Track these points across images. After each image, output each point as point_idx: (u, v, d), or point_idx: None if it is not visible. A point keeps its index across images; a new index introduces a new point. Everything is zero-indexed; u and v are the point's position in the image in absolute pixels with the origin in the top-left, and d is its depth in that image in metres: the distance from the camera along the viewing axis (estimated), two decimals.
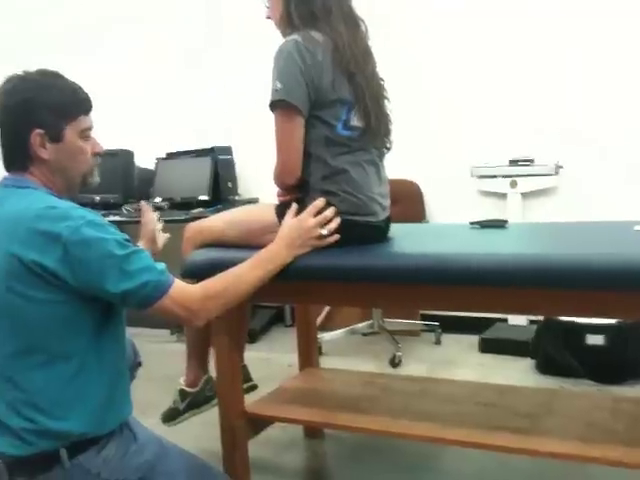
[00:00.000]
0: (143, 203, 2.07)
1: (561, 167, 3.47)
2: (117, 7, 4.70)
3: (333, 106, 1.87)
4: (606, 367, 2.95)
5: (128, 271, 1.43)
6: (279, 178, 1.94)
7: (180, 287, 1.52)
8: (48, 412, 1.43)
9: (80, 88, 1.55)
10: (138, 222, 3.97)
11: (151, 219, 2.06)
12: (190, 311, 1.55)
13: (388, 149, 2.06)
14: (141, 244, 1.96)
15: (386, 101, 2.02)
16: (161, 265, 1.52)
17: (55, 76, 1.53)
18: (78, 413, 1.45)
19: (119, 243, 1.44)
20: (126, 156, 4.39)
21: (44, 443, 1.43)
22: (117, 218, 3.96)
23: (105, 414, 1.51)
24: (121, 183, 4.33)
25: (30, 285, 1.39)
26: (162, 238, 2.08)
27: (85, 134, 1.54)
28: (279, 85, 1.83)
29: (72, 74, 1.57)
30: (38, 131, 1.47)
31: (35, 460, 1.43)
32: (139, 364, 1.98)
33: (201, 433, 2.34)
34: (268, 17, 2.03)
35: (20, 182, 1.50)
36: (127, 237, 1.49)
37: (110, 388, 1.52)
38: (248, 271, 1.71)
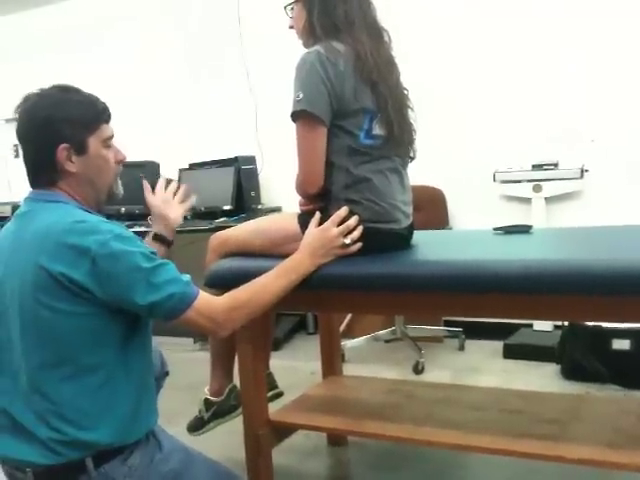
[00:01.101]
0: (144, 182, 1.94)
1: (586, 171, 3.45)
2: (139, 11, 4.77)
3: (356, 115, 1.88)
4: (632, 372, 2.92)
5: (155, 283, 1.45)
6: (301, 188, 1.96)
7: (205, 299, 1.54)
8: (76, 423, 1.44)
9: (97, 98, 1.57)
10: None
11: (152, 200, 1.94)
12: (215, 322, 1.57)
13: (412, 158, 2.06)
14: (156, 228, 1.92)
15: (410, 110, 2.02)
16: (186, 277, 1.54)
17: (71, 90, 1.55)
18: (106, 423, 1.47)
19: (146, 256, 1.46)
20: (152, 167, 4.44)
21: (72, 453, 1.45)
22: (143, 229, 4.00)
23: (132, 424, 1.52)
24: None
25: (58, 297, 1.41)
26: (178, 208, 1.94)
27: (107, 143, 1.57)
28: (301, 95, 1.84)
29: (90, 84, 1.60)
30: (64, 146, 1.49)
31: (62, 470, 1.45)
32: (166, 373, 1.99)
33: (226, 441, 2.35)
34: (291, 27, 2.05)
35: (50, 196, 1.52)
36: (154, 250, 1.52)
37: (137, 398, 1.54)
38: (272, 281, 1.72)
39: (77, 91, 1.55)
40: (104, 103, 1.58)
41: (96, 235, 1.42)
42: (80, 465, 1.45)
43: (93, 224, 1.46)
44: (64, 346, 1.44)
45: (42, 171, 1.53)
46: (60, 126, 1.49)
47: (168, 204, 1.93)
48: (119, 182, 1.64)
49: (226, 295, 1.65)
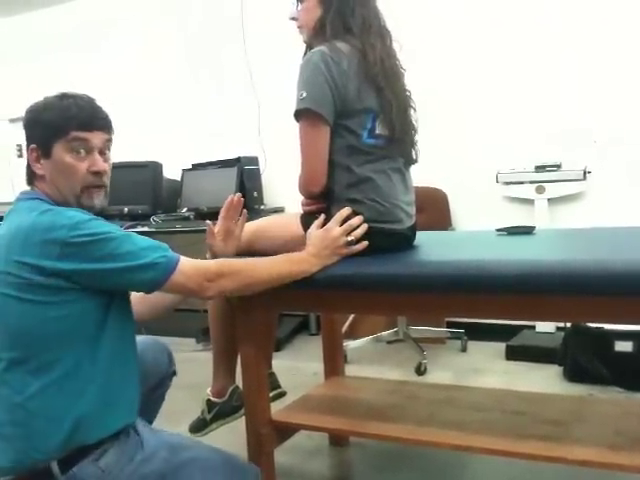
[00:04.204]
0: (209, 226, 1.91)
1: (589, 172, 3.45)
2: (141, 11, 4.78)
3: (359, 115, 1.88)
4: (635, 374, 2.91)
5: (132, 251, 1.46)
6: (304, 187, 1.95)
7: (189, 261, 1.55)
8: (42, 417, 1.42)
9: (78, 105, 1.53)
10: (166, 232, 4.00)
11: (214, 243, 1.91)
12: (201, 285, 1.56)
13: (415, 161, 2.06)
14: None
15: (412, 111, 2.02)
16: (164, 244, 1.54)
17: (63, 96, 1.55)
18: (72, 419, 1.43)
19: (116, 229, 1.48)
20: (155, 168, 4.45)
21: (37, 454, 1.42)
22: (145, 229, 4.01)
23: (99, 420, 1.47)
24: (150, 194, 4.39)
25: (24, 289, 1.41)
26: (233, 242, 1.94)
27: (76, 150, 1.53)
28: (304, 94, 1.84)
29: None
30: (32, 147, 1.54)
31: (26, 477, 1.42)
32: (173, 373, 1.99)
33: (228, 441, 2.33)
34: (293, 18, 2.02)
35: (30, 194, 1.57)
36: (120, 227, 1.53)
37: (105, 394, 1.49)
38: (269, 264, 1.73)
39: (69, 97, 1.55)
40: (83, 109, 1.53)
41: (62, 221, 1.43)
42: (46, 470, 1.42)
43: (58, 211, 1.47)
44: (30, 340, 1.43)
45: (26, 170, 1.59)
46: (33, 129, 1.55)
47: (225, 241, 1.93)
48: (97, 195, 1.57)
49: (218, 260, 1.66)
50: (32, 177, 1.57)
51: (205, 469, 1.54)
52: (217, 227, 1.92)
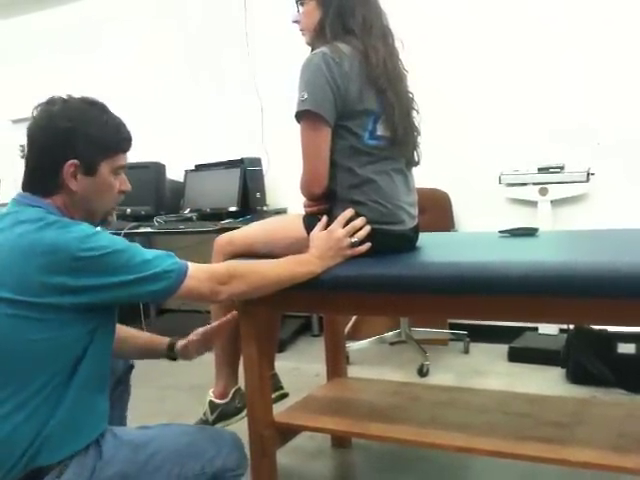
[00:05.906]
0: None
1: (592, 174, 3.44)
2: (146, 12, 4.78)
3: (360, 116, 1.88)
4: (638, 375, 2.90)
5: (144, 262, 1.45)
6: (306, 188, 1.96)
7: (197, 266, 1.55)
8: (7, 441, 1.37)
9: (123, 125, 1.55)
10: (169, 233, 3.98)
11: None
12: (212, 289, 1.57)
13: (417, 163, 2.06)
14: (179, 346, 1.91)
15: (415, 113, 2.03)
16: (170, 252, 1.54)
17: (101, 109, 1.53)
18: (35, 444, 1.38)
19: (125, 244, 1.46)
20: (158, 169, 4.45)
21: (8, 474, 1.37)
22: (148, 230, 4.01)
23: (59, 445, 1.42)
24: (153, 195, 4.39)
25: (19, 305, 1.36)
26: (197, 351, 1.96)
27: (117, 171, 1.55)
28: (305, 95, 1.84)
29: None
30: (73, 161, 1.45)
31: None
32: (131, 367, 1.92)
33: None
34: (295, 21, 2.03)
35: (32, 200, 1.48)
36: (125, 239, 1.51)
37: (70, 419, 1.43)
38: (276, 266, 1.74)
39: (106, 112, 1.53)
40: (128, 132, 1.56)
41: (71, 234, 1.39)
42: None
43: (64, 223, 1.42)
44: (9, 358, 1.38)
45: (43, 180, 1.48)
46: (77, 142, 1.46)
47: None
48: (114, 213, 1.63)
49: (225, 263, 1.66)
50: (55, 188, 1.47)
51: (173, 458, 1.51)
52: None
